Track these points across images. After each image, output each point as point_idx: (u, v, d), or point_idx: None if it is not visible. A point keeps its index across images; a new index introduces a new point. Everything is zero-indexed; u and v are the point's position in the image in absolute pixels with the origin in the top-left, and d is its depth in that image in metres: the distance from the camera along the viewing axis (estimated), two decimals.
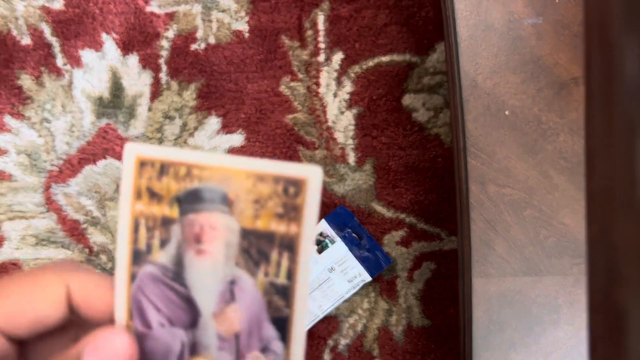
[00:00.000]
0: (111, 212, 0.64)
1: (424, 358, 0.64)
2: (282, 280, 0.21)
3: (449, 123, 0.63)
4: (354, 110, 0.64)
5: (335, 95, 0.64)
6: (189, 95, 0.64)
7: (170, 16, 0.64)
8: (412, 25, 0.64)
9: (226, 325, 0.23)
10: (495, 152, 0.50)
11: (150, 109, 0.64)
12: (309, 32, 0.64)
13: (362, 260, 0.62)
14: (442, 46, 0.64)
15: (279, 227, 0.21)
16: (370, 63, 0.64)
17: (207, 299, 0.22)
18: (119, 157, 0.64)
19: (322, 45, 0.64)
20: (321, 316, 0.62)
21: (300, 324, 0.22)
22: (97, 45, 0.64)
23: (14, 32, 0.64)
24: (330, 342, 0.64)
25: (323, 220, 0.62)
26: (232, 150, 0.64)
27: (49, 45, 0.64)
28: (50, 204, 0.64)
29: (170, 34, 0.64)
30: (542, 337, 0.50)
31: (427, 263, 0.64)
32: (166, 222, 0.22)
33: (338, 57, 0.64)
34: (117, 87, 0.64)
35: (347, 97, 0.64)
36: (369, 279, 0.62)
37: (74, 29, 0.64)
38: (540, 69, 0.49)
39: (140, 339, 0.23)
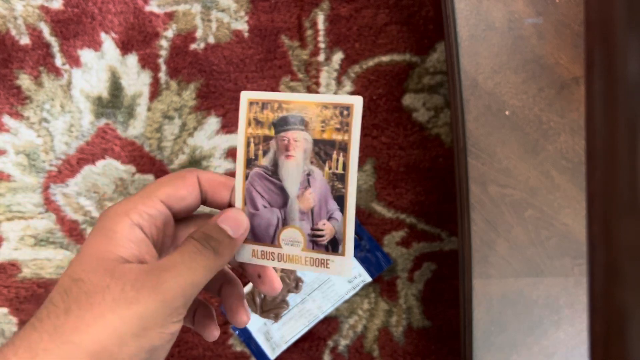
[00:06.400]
0: None
1: (425, 359, 0.63)
2: (339, 170, 0.33)
3: (450, 123, 0.63)
4: None
5: (335, 95, 0.64)
6: (188, 95, 0.64)
7: (170, 16, 0.64)
8: (412, 25, 0.64)
9: (305, 203, 0.33)
10: (496, 152, 0.50)
11: (149, 109, 0.64)
12: (309, 32, 0.64)
13: (363, 261, 0.62)
14: (443, 46, 0.63)
15: (337, 137, 0.32)
16: (370, 63, 0.64)
17: (293, 187, 0.33)
18: (117, 157, 0.64)
19: (321, 45, 0.64)
20: (321, 317, 0.61)
21: (351, 199, 0.33)
22: (96, 45, 0.64)
23: (13, 32, 0.64)
24: (331, 343, 0.64)
25: None
26: (232, 150, 0.64)
27: (47, 45, 0.64)
28: (49, 204, 0.64)
29: (170, 33, 0.64)
30: (543, 338, 0.50)
31: (428, 264, 0.64)
32: (266, 139, 0.33)
33: (338, 56, 0.64)
34: (116, 87, 0.64)
35: None
36: (369, 279, 0.61)
37: (73, 28, 0.64)
38: (541, 68, 0.49)
39: (251, 218, 0.34)
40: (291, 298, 0.61)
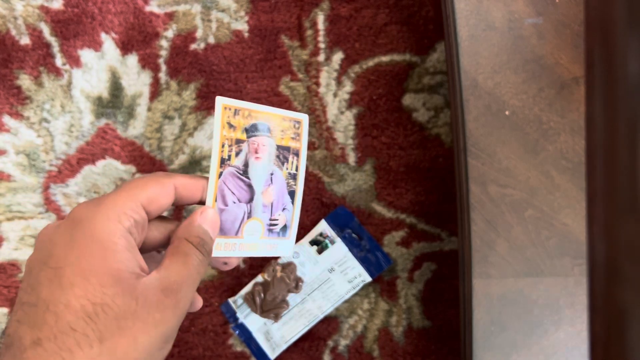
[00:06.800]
0: None
1: (425, 359, 0.63)
2: (293, 171, 0.39)
3: (450, 123, 0.63)
4: (354, 110, 0.64)
5: (335, 95, 0.64)
6: (189, 95, 0.64)
7: (170, 16, 0.64)
8: (412, 25, 0.64)
9: (267, 198, 0.38)
10: (496, 152, 0.50)
11: (149, 109, 0.64)
12: (309, 32, 0.64)
13: (362, 261, 0.62)
14: (443, 46, 0.63)
15: (293, 144, 0.39)
16: (370, 63, 0.64)
17: (259, 184, 0.38)
18: (117, 157, 0.64)
19: (321, 45, 0.64)
20: (321, 317, 0.61)
21: (299, 194, 0.40)
22: (96, 45, 0.64)
23: (13, 32, 0.64)
24: (330, 343, 0.64)
25: (323, 221, 0.62)
26: None
27: (48, 45, 0.64)
28: (49, 204, 0.64)
29: (170, 33, 0.64)
30: (543, 338, 0.50)
31: (428, 264, 0.64)
32: (239, 142, 0.36)
33: (338, 56, 0.64)
34: (116, 87, 0.64)
35: (347, 97, 0.64)
36: (369, 279, 0.61)
37: (73, 28, 0.64)
38: (541, 68, 0.49)
39: (221, 212, 0.37)
40: (291, 298, 0.61)
